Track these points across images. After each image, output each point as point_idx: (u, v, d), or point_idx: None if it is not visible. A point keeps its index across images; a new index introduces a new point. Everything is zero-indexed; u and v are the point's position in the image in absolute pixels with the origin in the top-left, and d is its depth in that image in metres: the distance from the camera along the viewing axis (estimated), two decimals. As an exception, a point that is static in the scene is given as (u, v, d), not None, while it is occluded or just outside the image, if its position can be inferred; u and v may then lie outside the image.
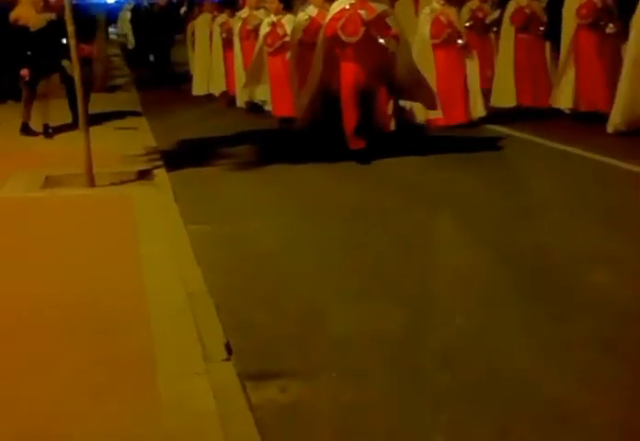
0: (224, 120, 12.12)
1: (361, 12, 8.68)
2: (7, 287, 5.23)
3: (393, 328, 4.55)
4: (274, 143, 10.26)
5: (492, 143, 9.59)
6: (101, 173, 7.99)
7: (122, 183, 8.01)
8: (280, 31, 11.18)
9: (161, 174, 8.40)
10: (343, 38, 8.77)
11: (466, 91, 10.99)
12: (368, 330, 4.53)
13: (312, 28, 9.87)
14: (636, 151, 8.65)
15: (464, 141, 9.87)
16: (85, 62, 10.57)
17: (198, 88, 15.29)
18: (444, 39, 10.89)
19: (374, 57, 8.93)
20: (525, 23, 11.67)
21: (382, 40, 8.78)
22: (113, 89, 16.08)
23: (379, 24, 8.80)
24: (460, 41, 10.94)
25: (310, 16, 10.05)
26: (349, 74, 8.94)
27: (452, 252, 5.87)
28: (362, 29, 8.71)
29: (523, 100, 11.75)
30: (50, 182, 8.08)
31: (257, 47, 11.74)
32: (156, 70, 18.50)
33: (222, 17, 14.31)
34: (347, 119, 9.00)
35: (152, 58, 19.23)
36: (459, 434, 3.46)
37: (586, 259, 5.60)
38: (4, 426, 3.50)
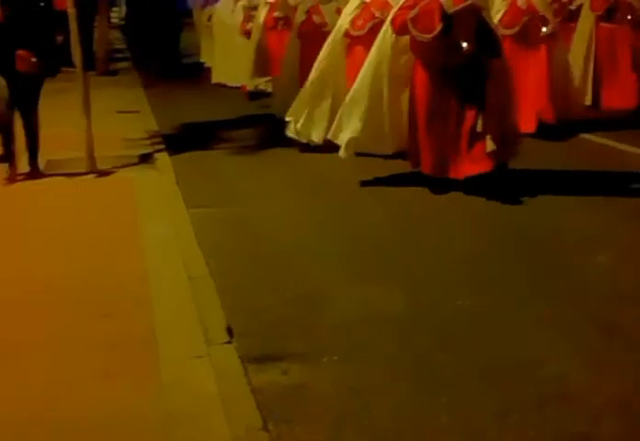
0: (227, 105, 12.07)
1: (443, 0, 6.63)
2: (11, 269, 5.24)
3: (394, 310, 4.56)
4: (276, 128, 10.21)
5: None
6: (102, 156, 7.98)
7: (124, 166, 8.00)
8: (316, 19, 9.48)
9: (163, 157, 8.39)
10: (414, 33, 6.71)
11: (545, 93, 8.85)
12: (369, 312, 4.55)
13: (363, 16, 8.12)
14: None
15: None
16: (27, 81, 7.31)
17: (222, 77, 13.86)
18: (521, 28, 8.75)
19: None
20: (609, 10, 9.73)
21: (464, 45, 6.55)
22: (115, 73, 16.00)
23: (466, 20, 6.64)
24: (544, 29, 8.69)
25: (363, 1, 8.20)
26: (422, 87, 6.84)
27: (453, 234, 5.88)
28: (440, 26, 6.58)
29: (604, 102, 9.88)
30: (51, 166, 8.07)
31: (255, 33, 11.00)
32: (163, 60, 16.36)
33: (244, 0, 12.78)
34: (422, 141, 6.91)
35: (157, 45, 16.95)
36: (460, 414, 3.47)
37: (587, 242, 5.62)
38: (9, 407, 3.53)
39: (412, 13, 6.66)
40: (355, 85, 7.16)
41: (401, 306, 4.61)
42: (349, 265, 5.30)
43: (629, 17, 9.70)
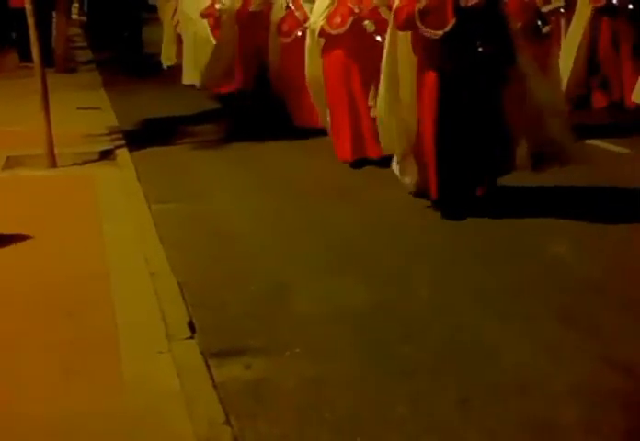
0: (189, 102, 11.98)
1: None
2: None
3: (357, 304, 4.58)
4: (238, 123, 10.18)
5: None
6: (63, 153, 7.91)
7: (84, 163, 7.94)
8: (299, 16, 8.86)
9: (123, 153, 8.33)
10: (421, 28, 5.72)
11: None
12: (332, 306, 4.56)
13: (341, 12, 7.39)
14: None
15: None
16: None
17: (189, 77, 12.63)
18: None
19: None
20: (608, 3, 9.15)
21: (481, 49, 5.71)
22: (74, 70, 15.83)
23: (482, 16, 5.71)
24: (545, 30, 7.81)
25: None
26: (432, 94, 5.83)
27: (417, 229, 5.90)
28: (453, 20, 5.67)
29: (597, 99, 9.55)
30: (10, 163, 7.98)
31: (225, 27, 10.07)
32: (128, 55, 15.65)
33: None
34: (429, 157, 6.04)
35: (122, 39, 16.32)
36: (420, 405, 3.50)
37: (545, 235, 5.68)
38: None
39: (420, 4, 5.65)
40: (379, 101, 6.29)
41: (363, 300, 4.63)
42: (312, 262, 5.31)
43: (630, 7, 9.14)
